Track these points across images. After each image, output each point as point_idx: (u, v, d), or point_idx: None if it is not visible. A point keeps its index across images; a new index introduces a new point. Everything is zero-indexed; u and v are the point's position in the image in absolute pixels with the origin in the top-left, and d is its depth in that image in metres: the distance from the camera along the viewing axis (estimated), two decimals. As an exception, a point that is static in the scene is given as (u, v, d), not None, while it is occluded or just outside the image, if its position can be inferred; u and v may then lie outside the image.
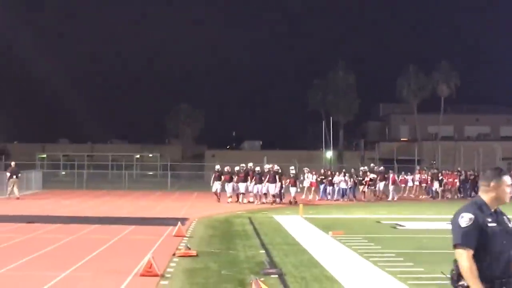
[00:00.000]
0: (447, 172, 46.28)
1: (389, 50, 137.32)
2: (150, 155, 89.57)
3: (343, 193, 40.83)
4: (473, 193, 45.21)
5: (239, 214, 29.90)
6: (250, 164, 37.76)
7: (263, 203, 36.14)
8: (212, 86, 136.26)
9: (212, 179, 38.23)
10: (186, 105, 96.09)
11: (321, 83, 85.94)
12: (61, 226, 23.09)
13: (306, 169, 42.61)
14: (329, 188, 41.38)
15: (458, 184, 44.58)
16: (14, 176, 39.67)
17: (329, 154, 77.05)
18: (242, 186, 36.80)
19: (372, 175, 41.65)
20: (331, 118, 72.48)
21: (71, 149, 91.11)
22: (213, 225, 24.45)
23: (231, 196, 37.09)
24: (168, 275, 13.42)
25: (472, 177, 45.84)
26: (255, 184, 36.47)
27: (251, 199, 36.92)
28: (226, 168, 37.91)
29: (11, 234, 20.46)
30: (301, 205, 30.52)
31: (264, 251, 17.36)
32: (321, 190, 41.84)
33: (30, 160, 69.10)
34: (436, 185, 43.94)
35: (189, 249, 16.66)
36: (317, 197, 41.07)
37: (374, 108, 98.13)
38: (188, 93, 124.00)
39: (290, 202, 36.31)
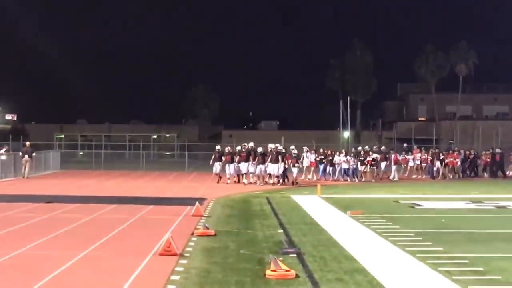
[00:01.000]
0: (449, 152, 45.27)
1: (407, 29, 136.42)
2: (168, 135, 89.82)
3: (344, 173, 39.79)
4: (472, 174, 44.92)
5: (257, 194, 29.89)
6: (251, 144, 36.63)
7: (266, 183, 35.15)
8: (230, 66, 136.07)
9: (212, 159, 37.50)
10: (203, 85, 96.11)
11: (339, 63, 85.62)
12: (79, 206, 23.18)
13: (305, 148, 41.32)
14: (329, 168, 40.38)
15: (459, 164, 43.75)
16: (26, 156, 40.15)
17: (346, 134, 76.81)
18: (244, 167, 35.88)
19: (374, 155, 40.59)
20: (348, 97, 72.12)
21: (89, 129, 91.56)
22: (231, 205, 24.46)
23: (229, 178, 36.05)
24: (187, 254, 13.44)
25: (471, 156, 45.24)
26: (258, 164, 35.50)
27: (252, 180, 35.67)
28: (227, 149, 37.31)
29: (30, 213, 20.57)
30: (319, 185, 30.47)
31: (282, 231, 17.35)
32: (321, 170, 40.88)
33: (48, 141, 69.46)
34: (437, 164, 43.04)
35: (208, 228, 16.67)
36: (314, 177, 40.03)
37: (391, 87, 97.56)
38: (206, 73, 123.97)
39: (292, 183, 35.84)
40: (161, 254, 13.15)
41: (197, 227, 17.37)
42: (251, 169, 35.65)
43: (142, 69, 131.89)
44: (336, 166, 40.18)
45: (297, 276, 11.35)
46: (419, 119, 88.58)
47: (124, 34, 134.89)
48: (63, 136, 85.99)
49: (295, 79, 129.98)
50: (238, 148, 36.96)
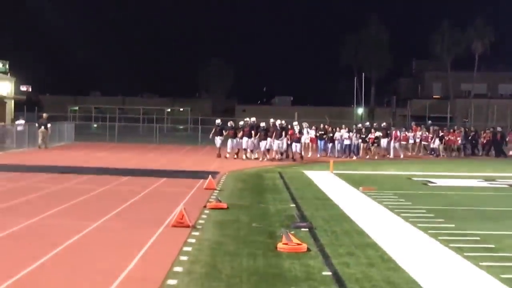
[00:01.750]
0: (450, 130, 44.53)
1: (423, 4, 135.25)
2: (181, 109, 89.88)
3: (345, 150, 38.94)
4: (473, 152, 43.99)
5: (269, 168, 29.95)
6: (253, 119, 35.73)
7: (271, 159, 34.20)
8: (244, 40, 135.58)
9: (211, 133, 36.86)
10: (217, 59, 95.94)
11: (354, 39, 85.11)
12: (93, 177, 23.32)
13: (305, 124, 39.97)
14: (329, 145, 39.38)
15: (460, 142, 43.11)
16: (43, 127, 40.47)
17: (360, 110, 76.69)
18: (245, 142, 34.85)
19: (378, 133, 39.49)
20: (363, 74, 71.89)
21: (103, 101, 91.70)
22: (243, 179, 24.53)
23: (230, 153, 35.21)
24: (199, 226, 13.52)
25: (472, 133, 44.73)
26: (260, 140, 34.55)
27: (250, 155, 34.72)
28: (230, 123, 36.50)
29: (44, 184, 20.72)
30: (331, 161, 30.46)
31: (294, 205, 17.41)
32: (320, 146, 39.82)
33: (62, 112, 69.69)
34: (437, 142, 42.32)
35: (220, 201, 16.76)
36: (309, 153, 38.99)
37: (406, 64, 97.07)
38: (220, 47, 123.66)
39: (294, 159, 35.01)
40: (173, 226, 13.24)
41: (210, 200, 17.46)
42: (251, 145, 34.71)
43: (157, 42, 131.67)
44: (336, 142, 39.27)
45: (308, 249, 11.42)
46: (434, 96, 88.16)
47: (139, 7, 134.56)
48: (77, 108, 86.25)
49: (309, 55, 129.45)
50: (241, 123, 36.30)
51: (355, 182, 23.72)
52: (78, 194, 18.17)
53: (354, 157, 38.26)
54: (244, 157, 34.78)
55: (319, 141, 39.84)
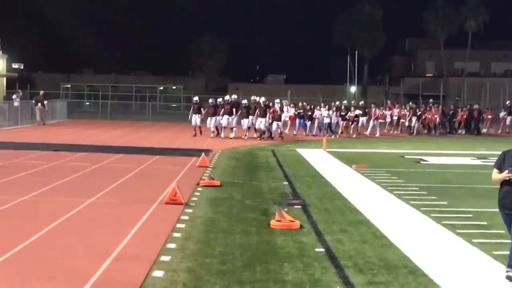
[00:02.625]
0: (429, 107, 44.04)
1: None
2: (174, 87, 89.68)
3: (328, 128, 38.75)
4: (450, 130, 43.62)
5: (262, 146, 29.96)
6: (234, 96, 35.42)
7: (253, 138, 33.49)
8: (236, 18, 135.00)
9: (190, 112, 35.73)
10: (209, 37, 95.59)
11: (347, 17, 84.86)
12: (86, 155, 23.28)
13: (285, 102, 39.53)
14: (308, 123, 39.05)
15: (438, 120, 42.81)
16: (39, 104, 41.25)
17: (353, 89, 76.67)
18: (226, 120, 34.10)
19: (357, 111, 39.32)
20: (356, 52, 71.78)
21: (96, 79, 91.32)
22: (236, 157, 24.54)
23: (213, 131, 34.33)
24: (192, 204, 13.54)
25: (451, 112, 44.41)
26: (242, 118, 33.94)
27: (231, 135, 33.82)
28: (211, 100, 35.12)
29: (37, 161, 20.68)
30: (324, 139, 30.52)
31: (287, 183, 17.44)
32: (297, 124, 39.30)
33: (55, 90, 69.42)
34: (413, 120, 41.89)
35: (213, 179, 16.77)
36: (287, 131, 38.57)
37: (400, 42, 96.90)
38: (212, 25, 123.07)
39: (273, 137, 34.08)
40: (166, 203, 13.24)
41: (203, 177, 17.46)
42: (231, 123, 34.02)
43: (149, 20, 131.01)
44: (316, 120, 38.93)
45: (301, 226, 11.44)
46: (427, 75, 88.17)
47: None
48: (69, 85, 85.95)
49: (302, 33, 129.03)
50: (219, 100, 35.02)
51: (348, 160, 23.74)
52: (71, 172, 18.14)
53: (333, 136, 37.72)
54: (232, 135, 33.82)
55: (297, 119, 39.31)
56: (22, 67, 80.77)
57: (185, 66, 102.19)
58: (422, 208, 13.64)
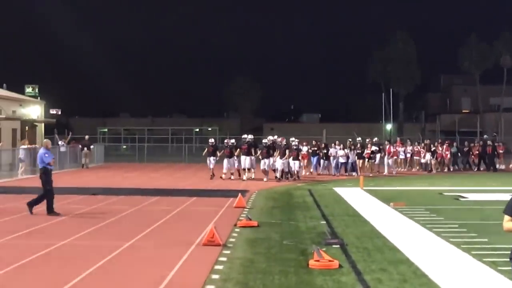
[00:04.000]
0: (440, 143, 42.22)
1: (450, 19, 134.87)
2: (209, 128, 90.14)
3: (342, 167, 37.30)
4: (464, 166, 42.13)
5: (299, 186, 29.88)
6: (251, 136, 33.32)
7: (275, 179, 31.93)
8: (271, 58, 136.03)
9: (204, 153, 34.78)
10: (244, 78, 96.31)
11: (381, 55, 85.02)
12: (123, 198, 23.42)
13: (295, 140, 35.14)
14: (324, 161, 37.68)
15: (449, 156, 40.95)
16: (85, 148, 43.38)
17: (389, 126, 76.40)
18: (244, 160, 32.48)
19: (374, 147, 37.71)
20: (391, 89, 71.69)
21: (132, 123, 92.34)
22: (273, 197, 24.48)
23: (226, 173, 32.85)
24: (230, 245, 13.50)
25: (466, 149, 42.84)
26: (263, 158, 32.25)
27: (244, 176, 32.51)
28: (226, 141, 34.10)
29: (76, 205, 20.85)
30: (361, 177, 30.32)
31: (325, 222, 17.33)
32: (313, 163, 37.96)
33: (92, 134, 70.23)
34: (428, 157, 40.34)
35: (250, 219, 16.72)
36: (303, 172, 36.11)
37: (435, 79, 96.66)
38: (247, 66, 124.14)
39: (294, 178, 32.64)
40: (204, 245, 13.24)
41: (240, 218, 17.45)
42: (248, 163, 32.31)
43: (184, 63, 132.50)
44: (332, 159, 37.47)
45: (340, 266, 11.34)
46: (463, 111, 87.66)
47: (167, 31, 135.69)
48: (106, 129, 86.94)
49: (337, 72, 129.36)
50: (232, 141, 33.93)
51: (386, 198, 23.56)
52: (109, 215, 18.26)
53: (355, 174, 36.39)
54: (245, 177, 32.42)
55: (312, 158, 38.08)
56: (59, 113, 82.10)
57: (220, 108, 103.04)
58: (462, 246, 13.44)
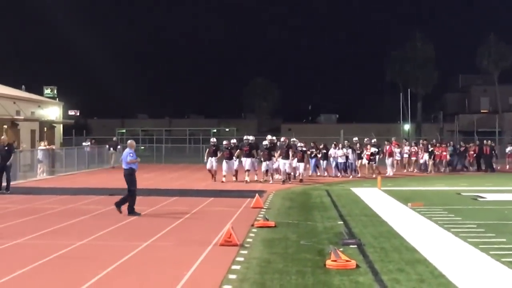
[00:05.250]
0: (438, 144, 41.33)
1: (469, 18, 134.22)
2: (227, 129, 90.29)
3: (342, 168, 36.33)
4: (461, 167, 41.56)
5: (316, 186, 29.85)
6: (252, 138, 32.60)
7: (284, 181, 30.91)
8: (288, 59, 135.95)
9: (205, 154, 33.37)
10: (261, 79, 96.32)
11: (399, 55, 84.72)
12: (141, 199, 23.42)
13: (296, 140, 34.12)
14: (323, 163, 36.70)
15: (448, 157, 40.10)
16: (111, 149, 45.10)
17: (407, 126, 76.08)
18: (245, 162, 31.61)
19: (373, 149, 36.47)
20: (409, 90, 71.41)
21: (150, 124, 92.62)
22: (290, 197, 24.48)
23: (226, 175, 31.75)
24: (247, 245, 13.52)
25: (462, 149, 42.36)
26: (264, 160, 31.14)
27: (251, 177, 31.60)
28: (225, 142, 32.84)
29: (94, 205, 20.99)
30: (379, 178, 30.23)
31: (342, 222, 17.31)
32: (312, 164, 36.76)
33: (110, 135, 70.53)
34: (425, 157, 39.60)
35: (267, 220, 16.74)
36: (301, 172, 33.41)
37: (453, 79, 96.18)
38: (264, 67, 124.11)
39: (301, 180, 31.75)
40: (221, 245, 13.27)
41: (257, 218, 17.47)
42: (249, 165, 31.31)
43: (201, 64, 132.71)
44: (331, 159, 36.76)
45: (357, 266, 11.33)
46: (482, 111, 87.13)
47: (184, 31, 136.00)
48: (124, 130, 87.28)
49: (354, 72, 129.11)
50: (233, 141, 33.20)
51: (403, 198, 23.49)
52: (127, 216, 18.33)
53: (350, 176, 35.69)
54: (248, 179, 31.27)
55: (310, 160, 36.63)
56: (78, 114, 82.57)
57: (238, 108, 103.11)
58: (480, 246, 13.38)
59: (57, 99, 59.42)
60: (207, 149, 33.54)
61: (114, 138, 47.33)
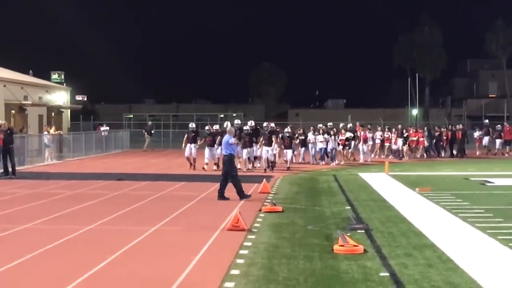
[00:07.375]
0: (414, 129, 40.01)
1: (476, 3, 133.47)
2: (234, 114, 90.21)
3: (323, 155, 34.18)
4: (438, 152, 41.00)
5: (323, 172, 29.83)
6: (237, 121, 30.92)
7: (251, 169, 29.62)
8: (295, 44, 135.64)
9: (184, 140, 31.18)
10: (269, 64, 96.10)
11: (407, 39, 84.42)
12: (149, 184, 23.55)
13: (271, 125, 31.88)
14: (301, 149, 35.23)
15: (425, 143, 39.34)
16: (146, 133, 48.61)
17: (414, 111, 75.96)
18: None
19: (348, 134, 34.83)
20: (417, 74, 71.28)
21: (157, 109, 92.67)
22: (298, 183, 24.49)
23: (208, 163, 29.90)
24: (255, 230, 13.54)
25: (437, 134, 41.43)
26: (245, 147, 28.97)
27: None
28: (208, 128, 31.07)
29: (102, 190, 21.02)
30: (386, 163, 30.15)
31: (350, 207, 17.30)
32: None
33: (117, 120, 70.60)
34: (399, 143, 38.29)
35: (275, 205, 16.74)
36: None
37: (461, 64, 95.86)
38: (272, 52, 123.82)
39: (288, 168, 30.44)
40: (229, 230, 13.28)
41: (265, 203, 17.48)
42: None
43: (209, 50, 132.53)
44: (310, 145, 34.80)
45: (365, 251, 11.32)
46: (490, 95, 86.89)
47: (192, 16, 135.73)
48: (132, 115, 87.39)
49: (362, 57, 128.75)
50: (216, 127, 31.35)
51: (411, 183, 23.47)
52: (134, 200, 18.37)
53: (332, 163, 33.77)
54: (239, 166, 27.88)
55: (299, 147, 35.25)
56: (85, 99, 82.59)
57: (245, 94, 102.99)
58: (488, 231, 13.36)
59: (65, 84, 59.45)
60: (186, 135, 31.41)
61: (150, 123, 50.46)
